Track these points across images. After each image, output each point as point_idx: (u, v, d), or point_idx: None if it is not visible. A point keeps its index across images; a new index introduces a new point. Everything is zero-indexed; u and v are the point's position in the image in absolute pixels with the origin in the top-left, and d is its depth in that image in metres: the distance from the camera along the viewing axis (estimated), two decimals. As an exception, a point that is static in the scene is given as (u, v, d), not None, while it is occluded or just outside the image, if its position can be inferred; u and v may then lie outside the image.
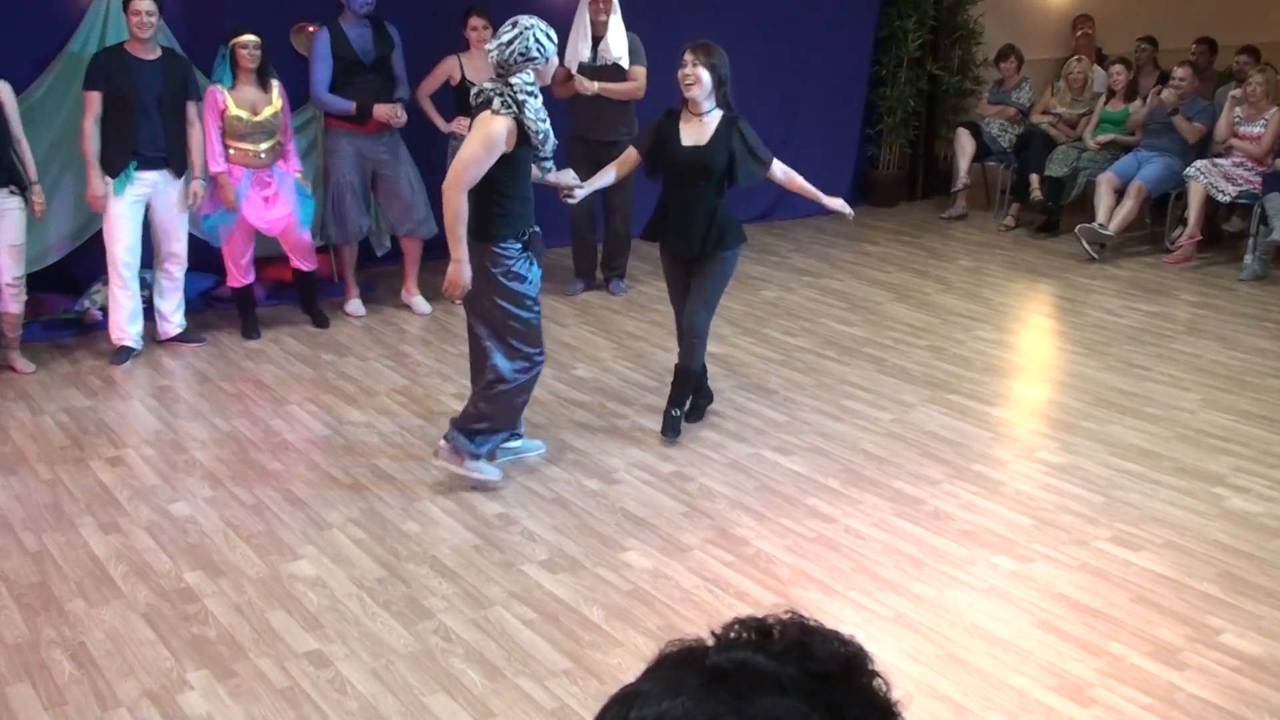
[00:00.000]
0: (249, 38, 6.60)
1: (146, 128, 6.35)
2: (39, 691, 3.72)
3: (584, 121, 7.55)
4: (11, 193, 6.10)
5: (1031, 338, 7.45)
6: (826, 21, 9.62)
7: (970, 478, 5.21)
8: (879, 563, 4.49)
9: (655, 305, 7.65)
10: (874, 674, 0.87)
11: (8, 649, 3.93)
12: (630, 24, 7.71)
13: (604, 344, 6.94)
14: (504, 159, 4.74)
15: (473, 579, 4.38)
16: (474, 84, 7.43)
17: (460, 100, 7.44)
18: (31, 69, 6.69)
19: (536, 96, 4.78)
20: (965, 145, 9.93)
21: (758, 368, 6.55)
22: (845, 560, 4.51)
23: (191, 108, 6.55)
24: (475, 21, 7.32)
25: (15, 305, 6.30)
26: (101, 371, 6.46)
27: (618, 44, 7.49)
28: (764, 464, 5.36)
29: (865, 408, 5.98)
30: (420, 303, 7.52)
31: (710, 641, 0.88)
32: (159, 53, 6.42)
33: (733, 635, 0.89)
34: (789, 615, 0.90)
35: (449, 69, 7.39)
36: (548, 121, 4.84)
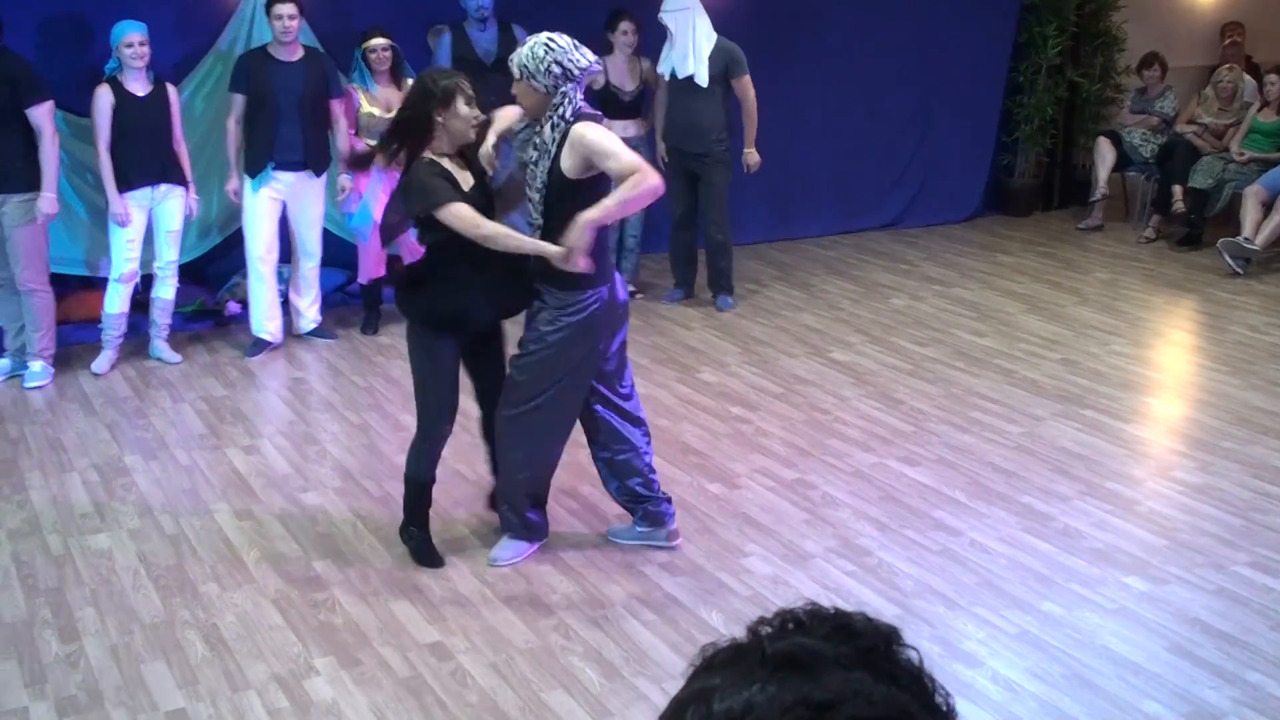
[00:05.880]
0: (377, 41, 6.77)
1: (285, 130, 6.52)
2: (173, 670, 3.84)
3: (675, 131, 7.48)
4: (174, 183, 6.38)
5: (1170, 353, 7.23)
6: (964, 27, 9.46)
7: (1103, 495, 5.07)
8: (1005, 579, 4.40)
9: (782, 311, 7.60)
10: (908, 646, 0.91)
11: (145, 628, 4.07)
12: (770, 31, 7.67)
13: (729, 348, 6.92)
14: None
15: (593, 578, 4.40)
16: (618, 89, 7.52)
17: (602, 104, 7.48)
18: (180, 69, 6.91)
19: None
20: (1105, 154, 9.68)
21: (885, 377, 6.47)
22: (970, 575, 4.43)
23: (336, 106, 6.71)
24: (626, 26, 7.36)
25: (167, 290, 6.55)
26: (238, 363, 6.64)
27: (681, 59, 7.29)
28: (889, 474, 5.29)
29: (994, 420, 5.87)
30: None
31: (745, 638, 0.92)
32: (301, 53, 6.59)
33: (770, 629, 0.92)
34: (808, 604, 0.94)
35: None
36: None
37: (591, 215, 4.05)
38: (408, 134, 4.18)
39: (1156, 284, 8.28)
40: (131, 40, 6.16)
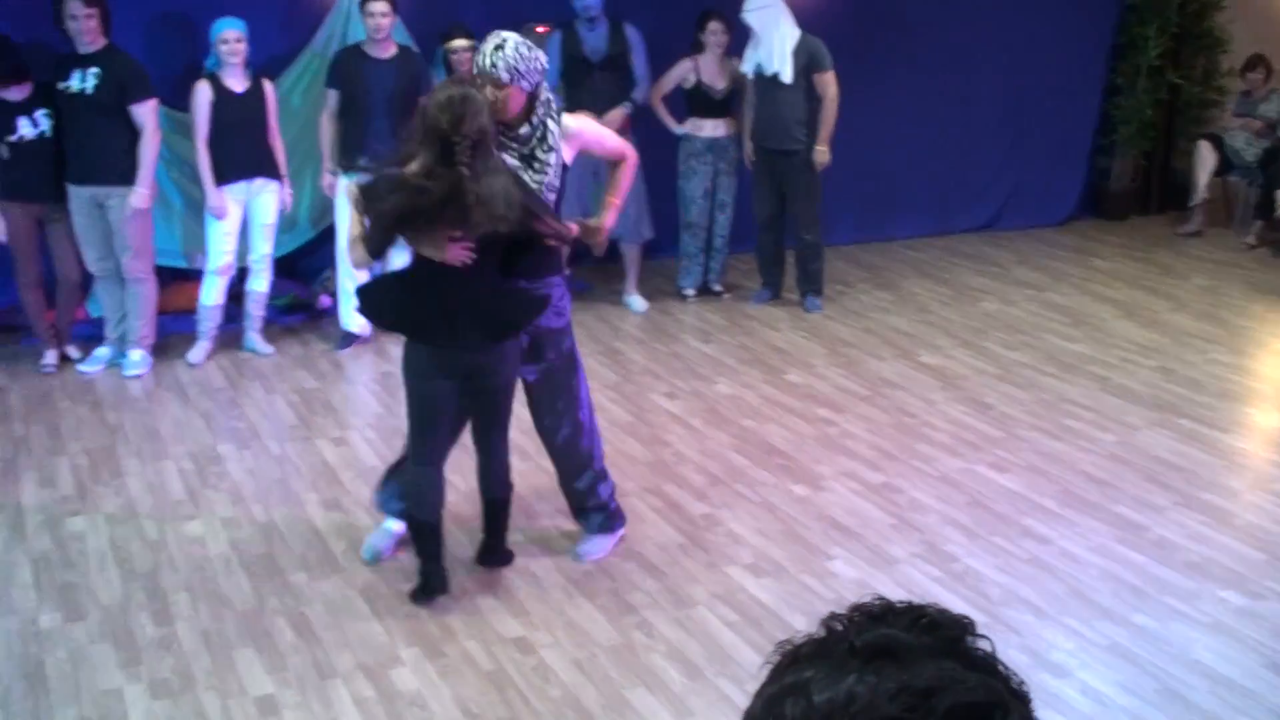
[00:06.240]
0: (458, 43, 6.81)
1: (376, 127, 6.59)
2: (263, 656, 3.90)
3: (760, 129, 7.43)
4: (269, 178, 6.50)
5: (1271, 363, 7.05)
6: (1061, 27, 9.30)
7: (1199, 507, 4.96)
8: (1096, 589, 4.32)
9: (870, 313, 7.54)
10: (981, 635, 0.93)
11: (236, 615, 4.14)
12: (860, 30, 7.55)
13: (816, 350, 6.87)
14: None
15: (677, 577, 4.40)
16: (709, 87, 7.51)
17: (693, 103, 7.48)
18: (278, 65, 7.02)
19: None
20: (1206, 158, 9.46)
21: (974, 381, 6.39)
22: (1059, 584, 4.36)
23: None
24: (715, 26, 7.36)
25: (261, 283, 6.66)
26: (329, 355, 6.74)
27: (766, 57, 7.24)
28: (977, 480, 5.22)
29: (1087, 427, 5.76)
30: (636, 301, 7.59)
31: (822, 633, 0.94)
32: (394, 51, 6.67)
33: (847, 623, 0.94)
34: (876, 598, 0.96)
35: (683, 72, 7.44)
36: None
37: (610, 220, 4.48)
38: (488, 148, 3.95)
39: (1258, 291, 8.07)
40: (227, 37, 6.28)
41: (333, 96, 6.67)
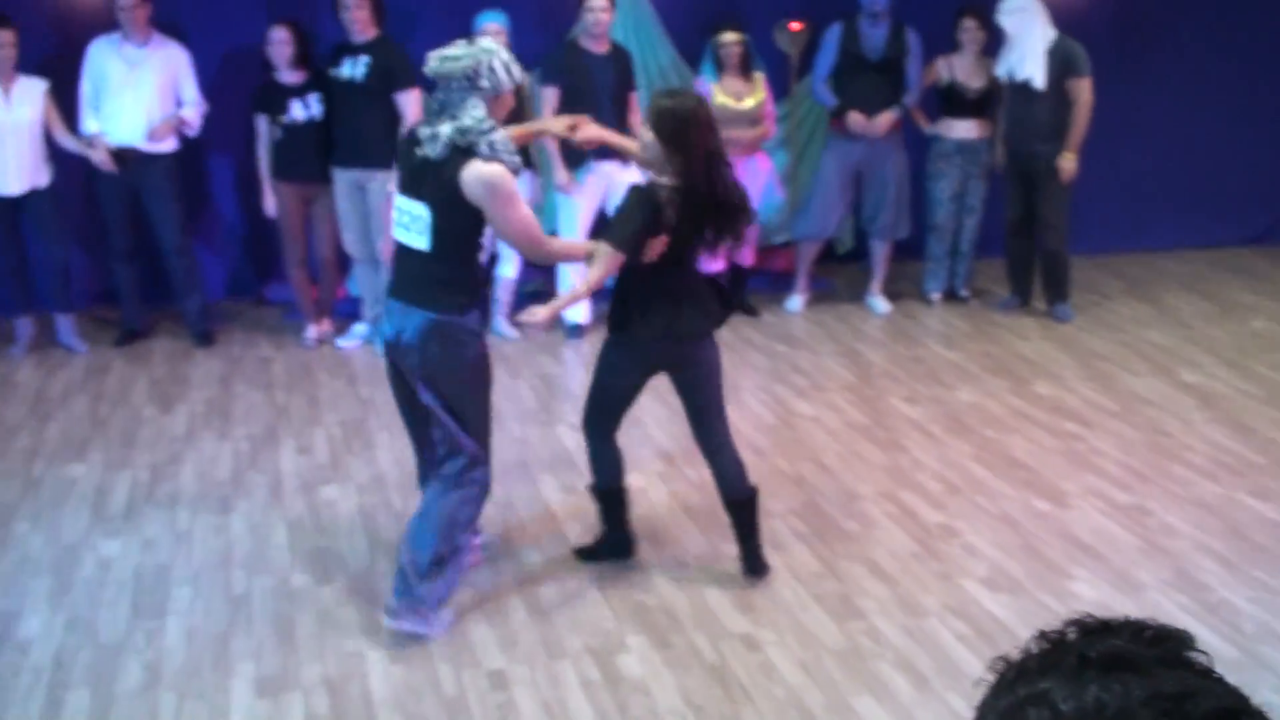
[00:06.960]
0: (727, 36, 6.82)
1: (601, 119, 6.64)
2: (495, 631, 4.01)
3: (1013, 134, 7.17)
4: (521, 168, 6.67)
5: None
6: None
7: None
8: (1366, 633, 4.01)
9: (1127, 326, 7.21)
10: (1200, 650, 0.93)
11: (473, 589, 4.26)
12: (1121, 32, 7.22)
13: (1066, 361, 6.61)
14: (479, 213, 3.93)
15: (908, 585, 4.30)
16: (964, 86, 7.31)
17: (946, 102, 7.31)
18: (533, 58, 7.18)
19: (496, 129, 3.99)
20: None
21: (1238, 403, 6.03)
22: (1325, 624, 4.07)
23: (633, 98, 6.82)
24: (968, 23, 7.17)
25: (510, 270, 6.86)
26: (572, 343, 6.86)
27: (1019, 61, 6.98)
28: (1237, 507, 4.92)
29: (1363, 459, 5.36)
30: (880, 303, 7.47)
31: (1039, 648, 0.95)
32: (609, 47, 6.72)
33: (1063, 640, 0.94)
34: (1085, 615, 0.96)
35: (937, 70, 7.27)
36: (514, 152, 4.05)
37: None
38: None
39: None
40: (488, 29, 6.44)
41: (551, 94, 6.60)
